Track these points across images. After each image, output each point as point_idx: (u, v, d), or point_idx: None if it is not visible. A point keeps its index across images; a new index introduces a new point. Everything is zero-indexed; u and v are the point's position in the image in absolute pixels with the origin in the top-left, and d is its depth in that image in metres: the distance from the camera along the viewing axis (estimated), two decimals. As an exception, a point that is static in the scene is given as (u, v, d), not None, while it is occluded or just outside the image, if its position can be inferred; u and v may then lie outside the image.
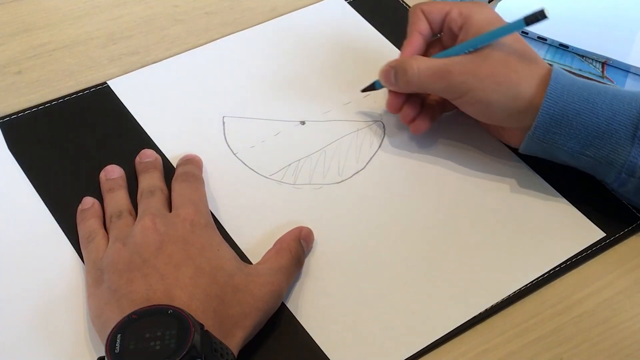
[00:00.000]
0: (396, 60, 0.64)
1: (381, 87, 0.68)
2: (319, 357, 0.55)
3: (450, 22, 0.64)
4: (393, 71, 0.64)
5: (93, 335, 0.54)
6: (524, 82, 0.60)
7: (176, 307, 0.48)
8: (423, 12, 0.65)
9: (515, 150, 0.66)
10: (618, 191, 0.62)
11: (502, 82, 0.60)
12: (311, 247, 0.60)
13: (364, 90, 0.69)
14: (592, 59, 0.76)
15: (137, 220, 0.57)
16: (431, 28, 0.66)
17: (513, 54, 0.61)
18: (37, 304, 0.56)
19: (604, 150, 0.60)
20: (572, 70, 0.75)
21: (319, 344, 0.55)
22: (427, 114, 0.67)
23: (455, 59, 0.61)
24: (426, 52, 0.67)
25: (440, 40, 0.67)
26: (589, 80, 0.61)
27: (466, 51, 0.62)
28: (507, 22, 0.61)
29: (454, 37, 0.64)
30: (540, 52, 0.76)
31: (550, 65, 0.62)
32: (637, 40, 0.77)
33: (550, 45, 0.77)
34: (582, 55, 0.76)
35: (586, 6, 0.80)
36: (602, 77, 0.75)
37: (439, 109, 0.68)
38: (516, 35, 0.62)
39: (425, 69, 0.62)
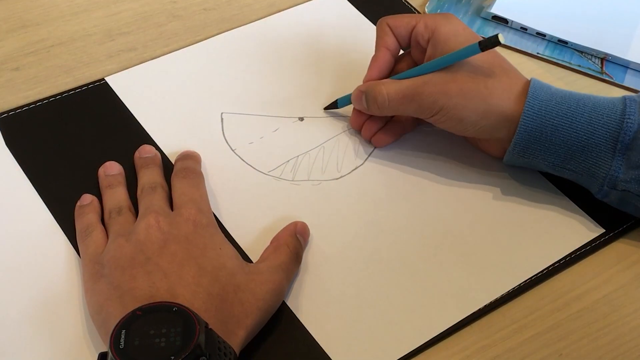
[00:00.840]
0: (365, 85, 0.64)
1: (343, 105, 0.68)
2: (318, 354, 0.55)
3: (417, 36, 0.64)
4: (364, 96, 0.64)
5: (92, 331, 0.54)
6: (495, 96, 0.60)
7: (181, 305, 0.48)
8: (389, 27, 0.65)
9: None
10: (603, 200, 0.62)
11: (472, 97, 0.60)
12: (308, 241, 0.60)
13: (326, 109, 0.69)
14: (591, 55, 0.76)
15: (140, 218, 0.57)
16: (399, 42, 0.65)
17: (481, 68, 0.60)
18: (35, 300, 0.56)
19: (586, 163, 0.60)
20: (572, 66, 0.75)
21: (318, 341, 0.55)
22: (392, 128, 0.66)
23: (424, 79, 0.61)
24: (395, 66, 0.66)
25: (409, 54, 0.66)
26: (567, 92, 0.61)
27: (432, 70, 0.61)
28: (474, 33, 0.62)
29: (423, 51, 0.64)
30: (540, 48, 0.76)
31: (527, 78, 0.62)
32: (636, 36, 0.77)
33: (549, 41, 0.77)
34: (581, 51, 0.76)
35: (585, 2, 0.80)
36: (602, 72, 0.75)
37: (408, 124, 0.67)
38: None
39: (394, 93, 0.62)
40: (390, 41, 0.65)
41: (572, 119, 0.59)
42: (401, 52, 0.67)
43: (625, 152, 0.58)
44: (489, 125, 0.60)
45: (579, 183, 0.62)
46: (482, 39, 0.60)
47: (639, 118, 0.58)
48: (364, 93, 0.64)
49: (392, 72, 0.66)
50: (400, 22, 0.65)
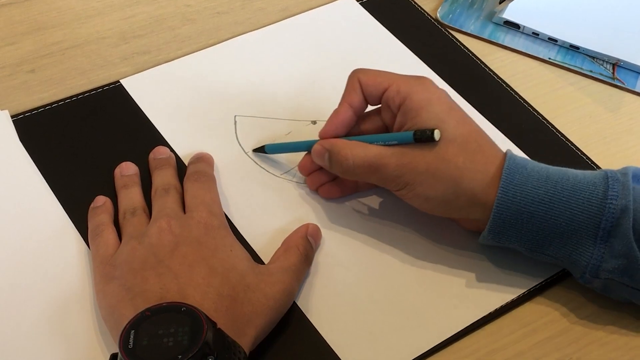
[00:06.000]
0: (330, 144, 0.59)
1: (272, 152, 0.65)
2: (329, 356, 0.55)
3: (388, 100, 0.58)
4: (327, 155, 0.59)
5: (105, 332, 0.54)
6: (467, 178, 0.55)
7: (189, 305, 0.48)
8: (360, 83, 0.59)
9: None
10: (585, 285, 0.57)
11: (442, 177, 0.55)
12: (319, 244, 0.61)
13: (254, 151, 0.66)
14: (603, 61, 0.76)
15: (152, 221, 0.57)
16: (366, 101, 0.60)
17: (454, 144, 0.55)
18: (50, 300, 0.56)
19: (565, 250, 0.55)
20: (583, 72, 0.75)
21: (329, 343, 0.55)
22: (344, 183, 0.63)
23: (392, 150, 0.56)
24: (361, 124, 0.61)
25: (378, 112, 0.61)
26: (545, 171, 0.55)
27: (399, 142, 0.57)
28: (449, 103, 0.58)
29: (393, 115, 0.59)
30: (551, 53, 0.77)
31: (503, 153, 0.57)
32: (648, 41, 0.77)
33: (561, 46, 0.77)
34: (593, 57, 0.77)
35: (597, 8, 0.81)
36: (613, 78, 0.75)
37: (363, 183, 0.63)
38: (461, 116, 0.57)
39: (360, 160, 0.57)
40: (356, 99, 0.60)
41: (549, 205, 0.54)
42: (370, 107, 0.62)
43: (607, 239, 0.54)
44: (459, 206, 0.56)
45: (560, 266, 0.58)
46: (457, 110, 0.57)
47: (622, 201, 0.53)
48: (328, 152, 0.59)
49: (351, 130, 0.61)
50: (373, 80, 0.59)
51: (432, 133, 0.55)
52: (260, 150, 0.66)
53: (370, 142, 0.58)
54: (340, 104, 0.60)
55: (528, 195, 0.54)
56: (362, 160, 0.57)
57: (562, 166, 0.56)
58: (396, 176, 0.56)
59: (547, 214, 0.54)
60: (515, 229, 0.55)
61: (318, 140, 0.61)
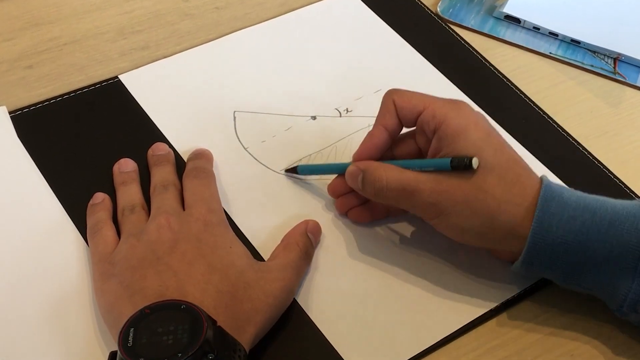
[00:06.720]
0: (365, 165, 0.57)
1: (304, 174, 0.64)
2: (330, 353, 0.55)
3: (423, 124, 0.56)
4: (361, 176, 0.57)
5: (104, 330, 0.54)
6: (504, 211, 0.53)
7: (189, 302, 0.48)
8: (395, 105, 0.58)
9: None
10: (622, 319, 0.56)
11: (479, 210, 0.53)
12: (319, 240, 0.60)
13: (286, 171, 0.65)
14: (604, 55, 0.76)
15: (151, 218, 0.57)
16: (401, 123, 0.58)
17: (492, 174, 0.53)
18: (48, 298, 0.56)
19: (601, 282, 0.53)
20: (584, 66, 0.75)
21: (329, 340, 0.55)
22: (376, 207, 0.61)
23: (428, 176, 0.54)
24: (395, 148, 0.60)
25: (413, 136, 0.59)
26: (582, 200, 0.53)
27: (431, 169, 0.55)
28: (487, 129, 0.55)
29: (429, 138, 0.57)
30: (552, 48, 0.76)
31: (540, 180, 0.54)
32: (649, 36, 0.77)
33: (562, 40, 0.77)
34: (594, 51, 0.76)
35: (598, 1, 0.80)
36: (614, 73, 0.74)
37: (395, 209, 0.61)
38: (499, 143, 0.55)
39: (395, 182, 0.55)
40: (391, 122, 0.58)
41: (587, 236, 0.52)
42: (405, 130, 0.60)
43: None
44: (495, 239, 0.55)
45: (596, 296, 0.56)
46: (495, 136, 0.55)
47: None
48: (363, 172, 0.57)
49: (385, 154, 0.59)
50: (408, 103, 0.57)
51: (470, 161, 0.53)
52: (293, 170, 0.64)
53: (405, 167, 0.56)
54: (374, 126, 0.59)
55: (565, 226, 0.52)
56: (397, 183, 0.55)
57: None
58: (431, 203, 0.54)
59: (584, 245, 0.52)
60: (549, 260, 0.53)
61: (351, 162, 0.59)
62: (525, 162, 0.56)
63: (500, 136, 0.56)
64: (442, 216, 0.55)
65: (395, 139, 0.59)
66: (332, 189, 0.62)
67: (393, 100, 0.58)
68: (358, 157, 0.59)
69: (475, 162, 0.53)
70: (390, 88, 0.59)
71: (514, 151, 0.56)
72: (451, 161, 0.53)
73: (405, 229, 0.62)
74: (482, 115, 0.57)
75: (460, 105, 0.56)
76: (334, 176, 0.62)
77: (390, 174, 0.56)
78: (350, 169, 0.58)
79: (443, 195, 0.54)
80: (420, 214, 0.57)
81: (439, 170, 0.54)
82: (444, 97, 0.57)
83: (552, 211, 0.52)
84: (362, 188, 0.57)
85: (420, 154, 0.59)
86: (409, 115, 0.57)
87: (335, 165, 0.64)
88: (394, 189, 0.55)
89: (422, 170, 0.55)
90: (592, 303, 0.58)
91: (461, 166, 0.53)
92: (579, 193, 0.54)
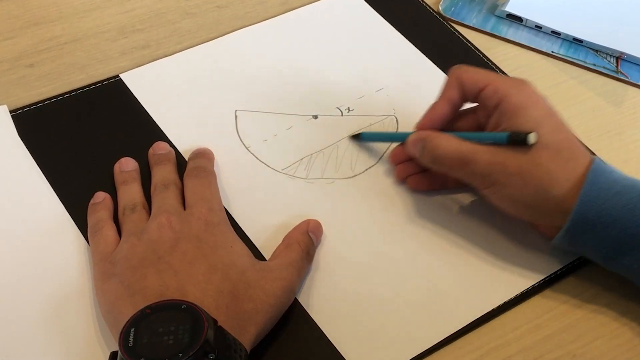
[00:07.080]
0: (426, 133, 0.59)
1: (367, 140, 0.66)
2: (331, 352, 0.54)
3: (485, 99, 0.58)
4: (421, 144, 0.59)
5: (105, 330, 0.54)
6: (556, 185, 0.54)
7: (190, 302, 0.48)
8: (459, 80, 0.60)
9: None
10: None
11: (531, 182, 0.55)
12: (320, 240, 0.60)
13: (351, 137, 0.67)
14: (607, 54, 0.76)
15: (152, 217, 0.57)
16: (465, 97, 0.60)
17: (548, 150, 0.55)
18: (49, 297, 0.56)
19: None
20: (587, 65, 0.75)
21: (331, 339, 0.55)
22: (433, 177, 0.63)
23: (485, 147, 0.56)
24: (456, 123, 0.62)
25: (474, 111, 0.61)
26: (631, 180, 0.55)
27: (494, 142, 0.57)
28: (547, 106, 0.57)
29: (489, 113, 0.58)
30: (554, 47, 0.76)
31: (592, 158, 0.56)
32: (652, 34, 0.77)
33: (564, 39, 0.77)
34: (597, 50, 0.76)
35: (601, 0, 0.80)
36: (617, 72, 0.74)
37: (451, 180, 0.63)
38: (558, 123, 0.57)
39: (453, 150, 0.57)
40: (455, 95, 0.60)
41: (632, 212, 0.53)
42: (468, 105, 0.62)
43: None
44: (545, 212, 0.56)
45: (633, 282, 0.56)
46: (554, 116, 0.57)
47: None
48: (423, 141, 0.59)
49: (446, 126, 0.61)
50: (470, 78, 0.59)
51: (527, 136, 0.54)
52: (357, 137, 0.67)
53: (464, 139, 0.58)
54: (438, 98, 0.61)
55: (612, 199, 0.53)
56: (455, 152, 0.57)
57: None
58: (485, 174, 0.56)
59: (629, 221, 0.53)
60: (593, 233, 0.54)
61: (414, 132, 0.61)
62: (580, 143, 0.57)
63: (559, 117, 0.57)
64: (496, 186, 0.56)
65: (456, 113, 0.61)
66: (393, 155, 0.64)
67: (458, 75, 0.60)
68: (421, 126, 0.61)
69: (531, 137, 0.54)
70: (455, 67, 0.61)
71: (571, 132, 0.57)
72: (509, 135, 0.55)
73: (407, 228, 0.61)
74: (543, 95, 0.58)
75: (523, 84, 0.58)
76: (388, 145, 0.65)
77: (448, 142, 0.58)
78: (412, 137, 0.61)
79: (498, 167, 0.55)
80: (474, 183, 0.58)
81: (496, 143, 0.56)
82: (507, 76, 0.58)
83: (600, 185, 0.54)
84: (422, 155, 0.59)
85: (480, 129, 0.61)
86: (472, 90, 0.59)
87: (397, 134, 0.67)
88: (451, 158, 0.57)
89: (480, 142, 0.57)
90: (593, 304, 0.58)
91: (518, 140, 0.55)
92: (628, 176, 0.56)
